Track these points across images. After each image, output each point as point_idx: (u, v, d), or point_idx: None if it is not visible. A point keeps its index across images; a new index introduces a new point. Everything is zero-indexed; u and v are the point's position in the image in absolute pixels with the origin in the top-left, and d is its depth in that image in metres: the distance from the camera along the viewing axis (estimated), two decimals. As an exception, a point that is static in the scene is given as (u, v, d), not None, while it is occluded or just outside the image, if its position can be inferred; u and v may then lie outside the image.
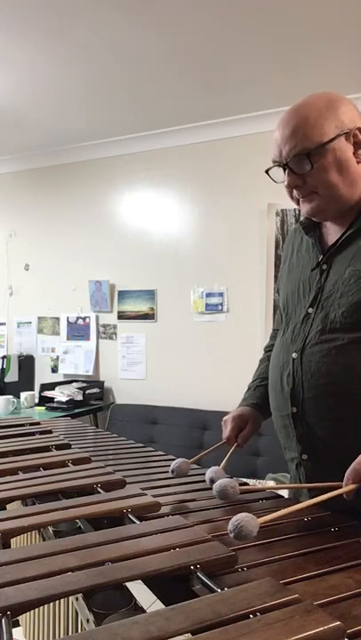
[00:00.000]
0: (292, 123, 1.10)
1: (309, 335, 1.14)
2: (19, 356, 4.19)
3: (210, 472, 1.15)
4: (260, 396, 1.38)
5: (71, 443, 1.53)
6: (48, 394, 3.80)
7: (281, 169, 1.14)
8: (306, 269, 1.22)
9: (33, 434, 1.68)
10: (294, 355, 1.16)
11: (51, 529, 0.94)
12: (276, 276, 3.36)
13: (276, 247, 3.44)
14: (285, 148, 1.11)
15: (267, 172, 1.17)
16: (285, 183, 1.13)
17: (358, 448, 0.98)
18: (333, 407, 1.08)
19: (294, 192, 1.16)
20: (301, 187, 1.13)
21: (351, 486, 0.92)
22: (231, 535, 0.79)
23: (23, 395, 3.82)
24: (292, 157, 1.10)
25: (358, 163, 1.11)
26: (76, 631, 0.73)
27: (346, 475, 0.94)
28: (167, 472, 1.24)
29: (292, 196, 1.18)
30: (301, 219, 1.28)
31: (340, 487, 0.93)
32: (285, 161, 1.11)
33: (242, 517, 0.80)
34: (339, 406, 1.07)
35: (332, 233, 1.20)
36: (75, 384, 3.94)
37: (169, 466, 1.24)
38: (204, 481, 1.18)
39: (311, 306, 1.16)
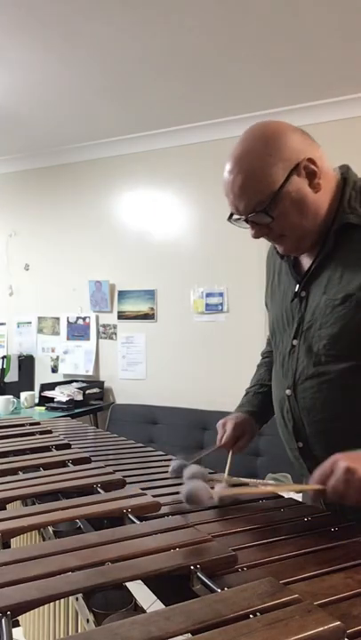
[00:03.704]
0: (239, 179, 1.03)
1: (298, 370, 1.12)
2: (19, 356, 4.19)
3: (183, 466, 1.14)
4: (257, 403, 1.36)
5: (71, 443, 1.52)
6: (48, 394, 3.80)
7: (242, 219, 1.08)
8: (287, 296, 1.18)
9: (33, 434, 1.68)
10: (288, 391, 1.14)
11: (51, 529, 0.94)
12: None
13: (276, 247, 3.44)
14: (241, 206, 1.05)
15: (229, 220, 1.11)
16: (252, 234, 1.09)
17: None
18: (339, 443, 0.99)
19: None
20: (269, 234, 1.09)
21: (315, 486, 0.93)
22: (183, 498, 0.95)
23: (23, 395, 3.82)
24: (249, 213, 1.05)
25: (316, 191, 1.05)
26: (76, 631, 0.73)
27: (313, 475, 0.94)
28: (167, 472, 1.24)
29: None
30: None
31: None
32: (245, 217, 1.06)
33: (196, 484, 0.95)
34: (343, 441, 0.99)
35: (305, 257, 1.15)
36: (75, 384, 3.94)
37: (169, 466, 1.24)
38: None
39: (295, 337, 1.13)
